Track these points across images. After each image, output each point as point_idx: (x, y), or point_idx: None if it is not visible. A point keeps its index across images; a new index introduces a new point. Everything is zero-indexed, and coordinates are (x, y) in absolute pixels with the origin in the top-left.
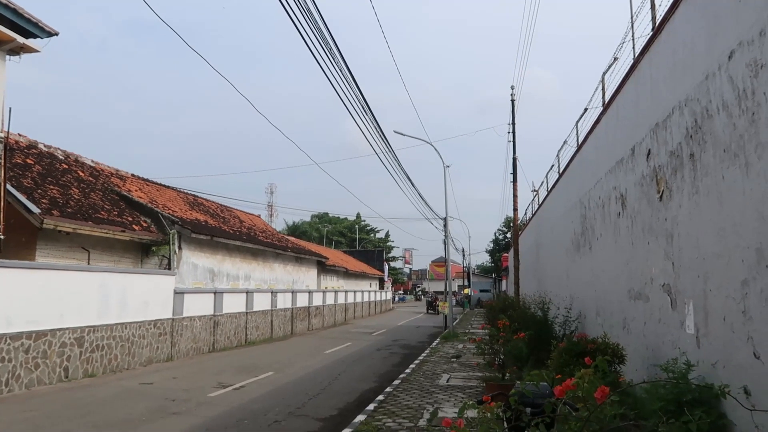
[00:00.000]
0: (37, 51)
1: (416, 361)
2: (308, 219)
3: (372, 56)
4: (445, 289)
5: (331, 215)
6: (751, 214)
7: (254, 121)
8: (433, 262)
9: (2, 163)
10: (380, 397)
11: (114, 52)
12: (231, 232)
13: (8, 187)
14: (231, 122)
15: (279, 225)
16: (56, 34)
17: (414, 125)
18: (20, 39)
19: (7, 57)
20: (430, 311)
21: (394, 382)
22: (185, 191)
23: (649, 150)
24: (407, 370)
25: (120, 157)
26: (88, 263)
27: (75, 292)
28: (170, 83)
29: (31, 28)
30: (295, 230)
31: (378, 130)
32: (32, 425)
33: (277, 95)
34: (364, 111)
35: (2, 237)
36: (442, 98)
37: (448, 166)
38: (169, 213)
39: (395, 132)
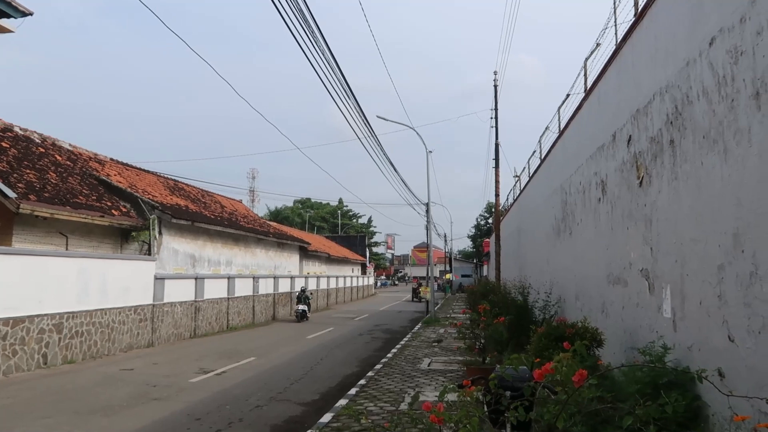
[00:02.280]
0: (11, 31)
1: (398, 346)
2: (291, 204)
3: (355, 40)
4: (427, 274)
5: (313, 200)
6: (728, 200)
7: (238, 106)
8: (415, 247)
9: None
10: (362, 382)
11: (93, 33)
12: (212, 217)
13: None
14: (213, 106)
15: (261, 210)
16: (31, 13)
17: (398, 111)
18: None
19: None
20: (414, 299)
21: (375, 367)
22: (165, 176)
23: (630, 136)
24: (389, 355)
25: (99, 141)
26: (66, 249)
27: (53, 278)
28: (151, 66)
29: (3, 8)
30: (277, 215)
31: (361, 114)
32: (11, 413)
33: (262, 80)
34: (347, 95)
35: None
36: (427, 83)
37: (430, 152)
38: (149, 198)
39: (378, 117)
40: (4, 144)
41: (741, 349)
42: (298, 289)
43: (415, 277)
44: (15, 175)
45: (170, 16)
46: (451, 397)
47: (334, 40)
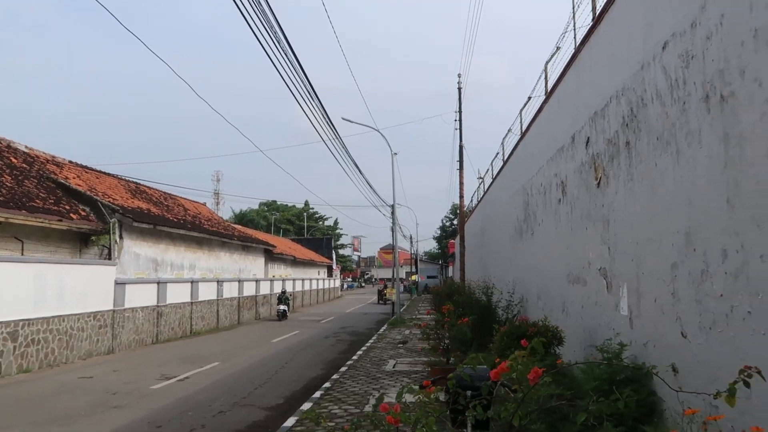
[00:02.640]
0: None
1: (363, 348)
2: (256, 207)
3: (320, 41)
4: (393, 276)
5: (279, 203)
6: (681, 200)
7: (201, 107)
8: (381, 249)
9: None
10: (327, 384)
11: (49, 32)
12: (175, 220)
13: None
14: (177, 108)
15: (226, 213)
16: None
17: (366, 113)
18: None
19: None
20: (380, 302)
21: (341, 369)
22: (127, 179)
23: (588, 138)
24: (354, 357)
25: (59, 143)
26: (22, 254)
27: (8, 284)
28: (112, 66)
29: None
30: (242, 218)
31: (325, 116)
32: None
33: (226, 82)
34: (311, 97)
35: None
36: (393, 86)
37: (395, 154)
38: (109, 201)
39: (343, 119)
40: None
41: (693, 345)
42: (263, 292)
43: (381, 279)
44: None
45: (130, 17)
46: (412, 398)
47: (299, 40)
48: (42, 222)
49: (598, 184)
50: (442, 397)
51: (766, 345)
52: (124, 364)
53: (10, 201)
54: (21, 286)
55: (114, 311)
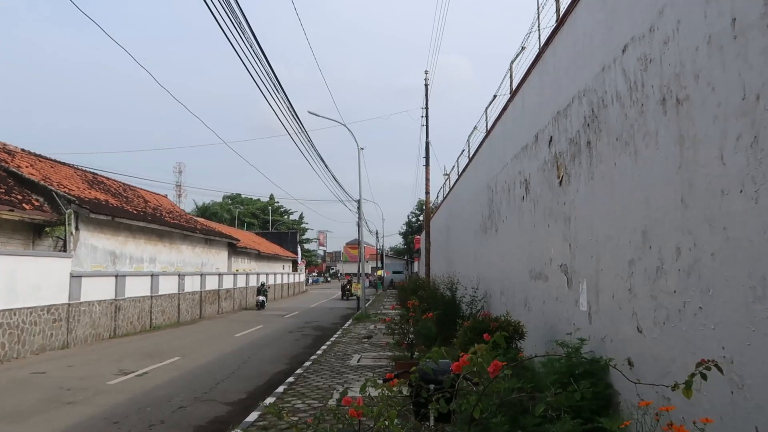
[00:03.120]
0: None
1: (328, 343)
2: (219, 200)
3: (286, 34)
4: (359, 270)
5: (243, 196)
6: (638, 199)
7: (164, 98)
8: (347, 244)
9: None
10: (290, 379)
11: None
12: (134, 212)
13: None
14: (137, 98)
15: (188, 206)
16: None
17: (332, 108)
18: None
19: None
20: (344, 298)
21: (305, 364)
22: (83, 168)
23: (551, 137)
24: (318, 352)
25: (8, 131)
26: None
27: None
28: (71, 52)
29: None
30: (205, 211)
31: (291, 110)
32: None
33: (193, 72)
34: (276, 90)
35: None
36: (362, 80)
37: (362, 149)
38: (64, 191)
39: (309, 113)
40: None
41: (648, 339)
42: (226, 286)
43: (347, 274)
44: None
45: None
46: (376, 392)
47: (264, 32)
48: None
49: (560, 182)
50: (405, 391)
51: (715, 339)
52: (80, 359)
53: None
54: None
55: (69, 305)
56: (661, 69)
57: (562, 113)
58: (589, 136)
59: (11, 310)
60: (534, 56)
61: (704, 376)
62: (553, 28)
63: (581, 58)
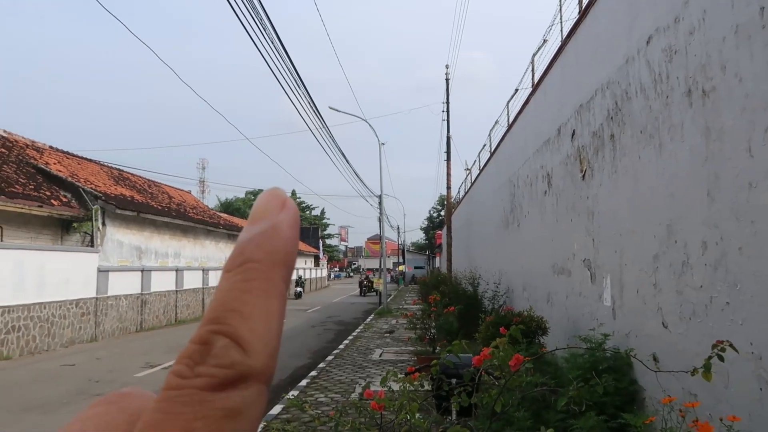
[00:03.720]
0: None
1: (350, 337)
2: (242, 196)
3: (307, 31)
4: (380, 266)
5: None
6: (662, 193)
7: (188, 95)
8: (368, 239)
9: None
10: (313, 373)
11: (26, 15)
12: (159, 208)
13: None
14: (161, 96)
15: (211, 202)
16: None
17: (352, 102)
18: None
19: None
20: (362, 295)
21: (327, 358)
22: (110, 165)
23: (574, 130)
24: (341, 346)
25: (41, 129)
26: (1, 240)
27: None
28: (99, 54)
29: None
30: (228, 207)
31: (312, 105)
32: None
33: (212, 70)
34: (298, 85)
35: None
36: (380, 75)
37: (383, 144)
38: (91, 188)
39: (330, 108)
40: None
41: (673, 335)
42: None
43: (368, 269)
44: None
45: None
46: (398, 386)
47: (285, 30)
48: (21, 208)
49: (583, 176)
50: (427, 385)
51: (743, 335)
52: (107, 352)
53: None
54: (0, 273)
55: (97, 299)
56: (687, 60)
57: (584, 106)
58: (612, 129)
59: (41, 303)
60: (556, 49)
61: (721, 357)
62: (575, 20)
63: (604, 50)
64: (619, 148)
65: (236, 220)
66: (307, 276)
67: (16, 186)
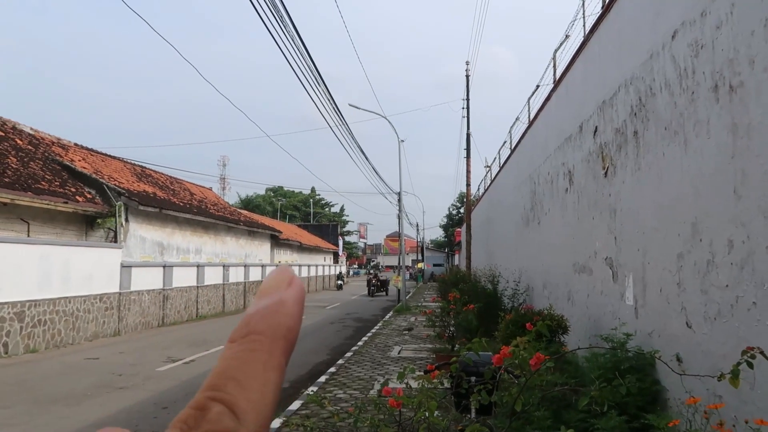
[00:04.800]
0: None
1: (369, 334)
2: (262, 192)
3: (327, 25)
4: (399, 263)
5: (285, 189)
6: (687, 190)
7: (209, 92)
8: (387, 236)
9: None
10: (332, 370)
11: (52, 14)
12: (181, 204)
13: None
14: (183, 93)
15: (232, 198)
16: None
17: (371, 99)
18: None
19: None
20: (369, 295)
21: (346, 355)
22: (132, 162)
23: (596, 127)
24: (359, 343)
25: (65, 126)
26: (28, 235)
27: (14, 265)
28: (118, 52)
29: None
30: (248, 204)
31: (331, 102)
32: None
33: (232, 67)
34: (318, 82)
35: None
36: (400, 72)
37: (402, 141)
38: (115, 184)
39: (350, 105)
40: None
41: (698, 335)
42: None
43: (386, 266)
44: None
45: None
46: (416, 383)
47: (307, 26)
48: (47, 204)
49: (606, 173)
50: (446, 383)
51: None
52: (130, 346)
53: (15, 182)
54: (27, 267)
55: (120, 294)
56: (714, 55)
57: (607, 102)
58: (636, 125)
59: (66, 298)
60: (579, 44)
61: (750, 365)
62: (598, 15)
63: (628, 45)
64: (643, 144)
65: (256, 216)
66: (326, 273)
67: (43, 182)
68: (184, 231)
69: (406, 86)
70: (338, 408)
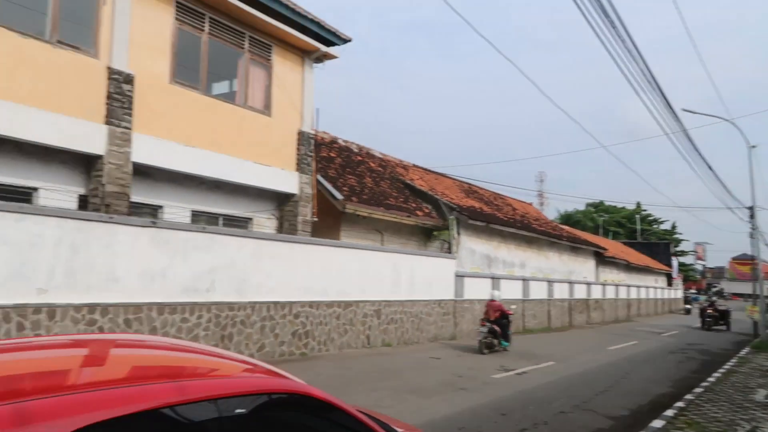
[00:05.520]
0: (336, 57)
1: (721, 370)
2: (581, 207)
3: (653, 25)
4: (755, 291)
5: (607, 204)
6: None
7: (526, 111)
8: (733, 259)
9: (313, 157)
10: (679, 404)
11: (392, 53)
12: (505, 219)
13: (318, 177)
14: (498, 114)
15: (551, 213)
16: (350, 40)
17: (705, 102)
18: (323, 48)
19: (314, 64)
20: (704, 327)
21: (694, 390)
22: (460, 179)
23: None
24: (710, 379)
25: (395, 148)
26: (382, 244)
27: (372, 269)
28: (445, 81)
29: (330, 37)
30: (567, 219)
31: (668, 107)
32: (345, 381)
33: (545, 80)
34: (651, 87)
35: (316, 219)
36: (742, 67)
37: (753, 146)
38: (447, 200)
39: (684, 110)
40: (331, 154)
41: None
42: (595, 296)
43: (733, 294)
44: (340, 180)
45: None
46: None
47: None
48: (395, 217)
49: None
50: None
51: None
52: (465, 351)
53: (371, 199)
54: (382, 272)
55: (455, 301)
56: None
57: None
58: None
59: (412, 301)
60: None
61: None
62: None
63: None
64: None
65: (577, 232)
66: (658, 296)
67: (391, 199)
68: (509, 245)
69: (753, 83)
70: None
